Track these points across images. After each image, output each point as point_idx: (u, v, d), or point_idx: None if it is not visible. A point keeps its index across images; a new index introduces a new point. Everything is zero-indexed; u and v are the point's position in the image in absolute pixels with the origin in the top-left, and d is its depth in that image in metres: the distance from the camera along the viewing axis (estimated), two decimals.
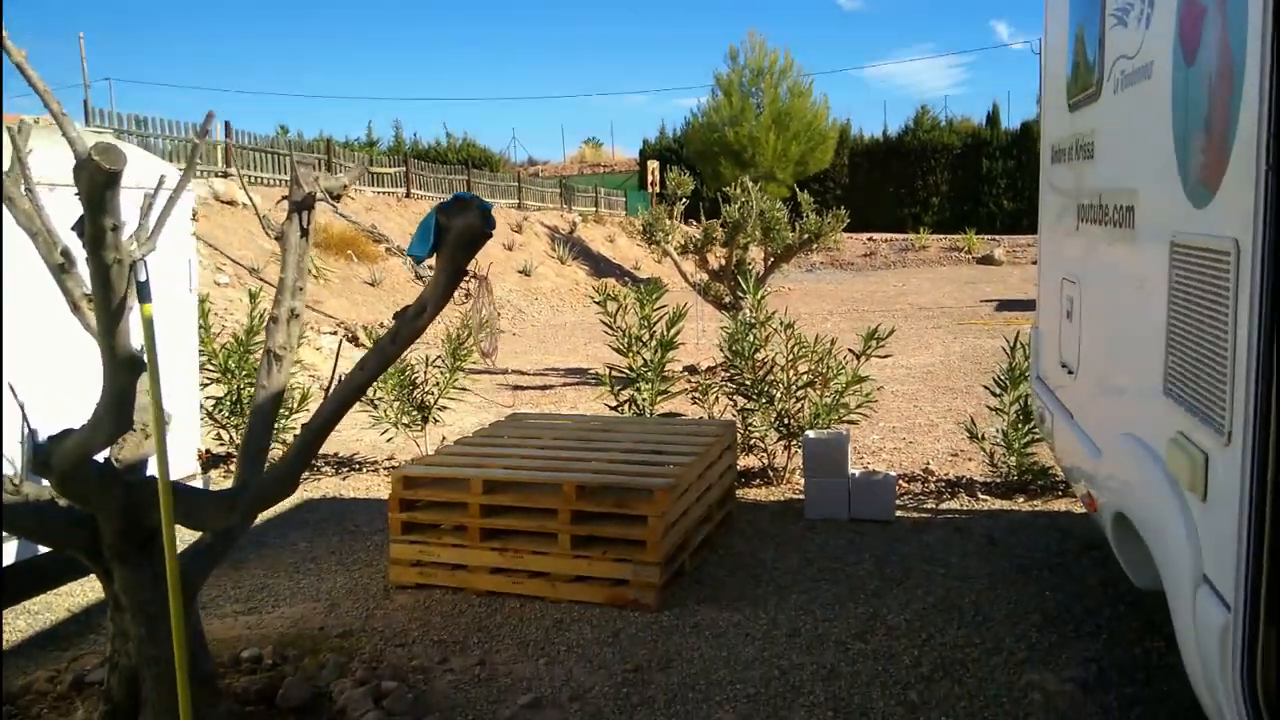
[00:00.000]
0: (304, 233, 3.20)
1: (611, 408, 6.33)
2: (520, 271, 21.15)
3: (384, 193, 21.24)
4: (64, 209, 4.07)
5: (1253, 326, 2.02)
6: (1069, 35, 3.91)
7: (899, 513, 5.35)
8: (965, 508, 5.51)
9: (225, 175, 16.79)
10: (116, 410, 2.18)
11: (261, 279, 14.80)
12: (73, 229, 1.86)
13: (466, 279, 2.93)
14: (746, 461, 6.30)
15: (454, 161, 30.44)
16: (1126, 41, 3.01)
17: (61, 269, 3.19)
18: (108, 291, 1.97)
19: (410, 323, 2.50)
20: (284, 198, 3.19)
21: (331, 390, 2.76)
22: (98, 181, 1.77)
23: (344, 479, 6.82)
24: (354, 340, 12.90)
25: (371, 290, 16.38)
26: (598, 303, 6.26)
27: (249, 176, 17.71)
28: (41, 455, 2.32)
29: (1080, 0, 3.79)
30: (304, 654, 3.90)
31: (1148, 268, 2.81)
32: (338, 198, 3.37)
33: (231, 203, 16.02)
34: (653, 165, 34.45)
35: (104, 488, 2.61)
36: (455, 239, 2.32)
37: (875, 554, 4.77)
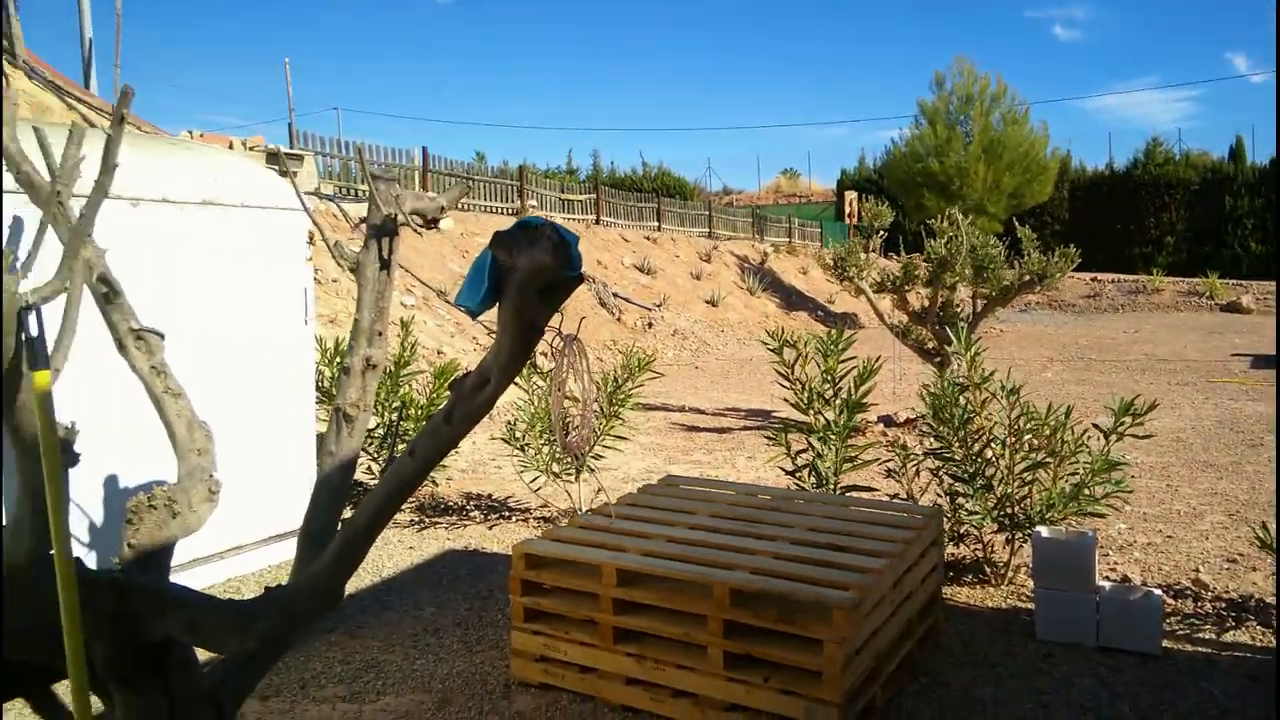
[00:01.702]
0: (384, 264, 2.49)
1: (787, 472, 5.36)
2: (707, 301, 20.42)
3: (574, 219, 21.13)
4: (152, 227, 3.68)
5: None
6: None
7: (1165, 642, 4.07)
8: (1259, 643, 4.14)
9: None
10: (33, 511, 1.49)
11: (447, 300, 14.81)
12: None
13: (550, 339, 2.11)
14: (955, 551, 5.15)
15: (648, 190, 30.24)
16: None
17: (105, 299, 2.63)
18: None
19: (469, 398, 1.71)
20: (361, 220, 2.51)
21: (383, 479, 2.00)
22: None
23: (491, 528, 6.20)
24: (533, 364, 12.56)
25: (554, 317, 16.07)
26: (771, 349, 5.31)
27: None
28: None
29: None
30: None
31: None
32: (434, 222, 2.65)
33: (427, 226, 16.21)
34: (850, 196, 33.14)
35: (90, 595, 1.95)
36: (521, 283, 1.50)
37: (1138, 707, 3.55)
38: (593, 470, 6.35)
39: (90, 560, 3.30)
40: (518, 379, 6.87)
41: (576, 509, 6.19)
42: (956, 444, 4.87)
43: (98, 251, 2.71)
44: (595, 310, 17.35)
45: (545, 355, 2.35)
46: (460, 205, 18.12)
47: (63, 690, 3.02)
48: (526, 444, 6.18)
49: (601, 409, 6.14)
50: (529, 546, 3.85)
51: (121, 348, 2.66)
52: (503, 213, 19.15)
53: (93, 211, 1.75)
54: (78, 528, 3.27)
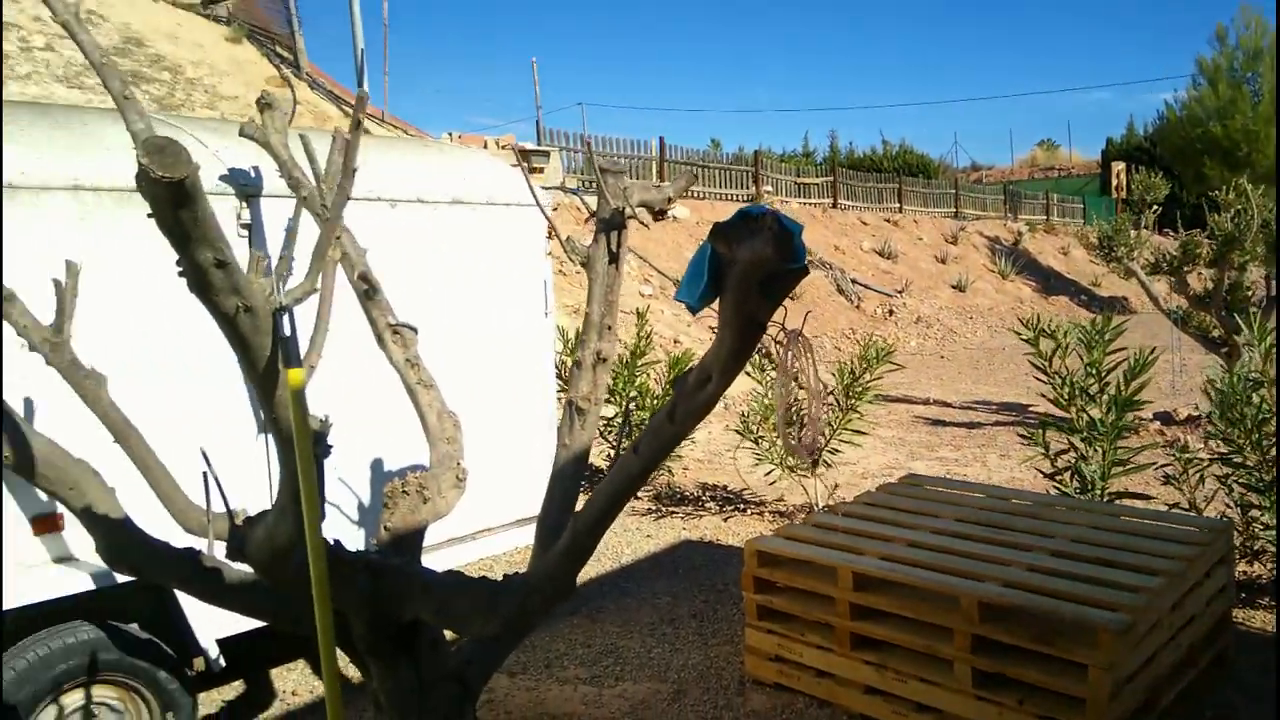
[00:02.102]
0: (613, 258, 2.49)
1: (1045, 474, 4.93)
2: (954, 287, 19.39)
3: (809, 204, 20.73)
4: (407, 226, 3.90)
5: None
6: None
7: None
8: None
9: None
10: (295, 497, 1.60)
11: None
12: (178, 269, 1.28)
13: (774, 336, 1.99)
14: (1249, 569, 4.53)
15: (889, 170, 29.14)
16: None
17: (366, 295, 2.81)
18: (246, 352, 1.36)
19: (691, 395, 1.65)
20: (591, 214, 2.52)
21: (609, 475, 1.99)
22: (160, 197, 1.15)
23: (726, 519, 6.19)
24: (766, 354, 12.44)
25: (791, 304, 15.82)
26: (1025, 339, 4.90)
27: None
28: (236, 542, 1.84)
29: None
30: None
31: None
32: (661, 213, 2.62)
33: (655, 217, 16.45)
34: (1118, 167, 30.28)
35: (348, 576, 2.09)
36: (741, 276, 1.41)
37: None
38: (829, 465, 6.17)
39: (359, 541, 3.57)
40: (750, 370, 6.80)
41: (813, 505, 6.04)
42: (1249, 448, 4.27)
43: (358, 251, 2.91)
44: (832, 297, 16.94)
45: (778, 345, 2.24)
46: (695, 193, 18.29)
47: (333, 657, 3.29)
48: (760, 436, 6.10)
49: (837, 402, 5.94)
50: (761, 544, 3.77)
51: (380, 341, 2.84)
52: (737, 199, 19.13)
53: (337, 213, 1.86)
54: (348, 510, 3.56)
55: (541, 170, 14.27)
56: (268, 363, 1.38)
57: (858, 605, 3.43)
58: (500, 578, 2.18)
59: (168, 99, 10.28)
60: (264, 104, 3.23)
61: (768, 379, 6.22)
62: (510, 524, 4.30)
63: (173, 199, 1.12)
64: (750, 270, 1.42)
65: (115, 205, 2.84)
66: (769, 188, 20.02)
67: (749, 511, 6.34)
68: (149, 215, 1.18)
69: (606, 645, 4.27)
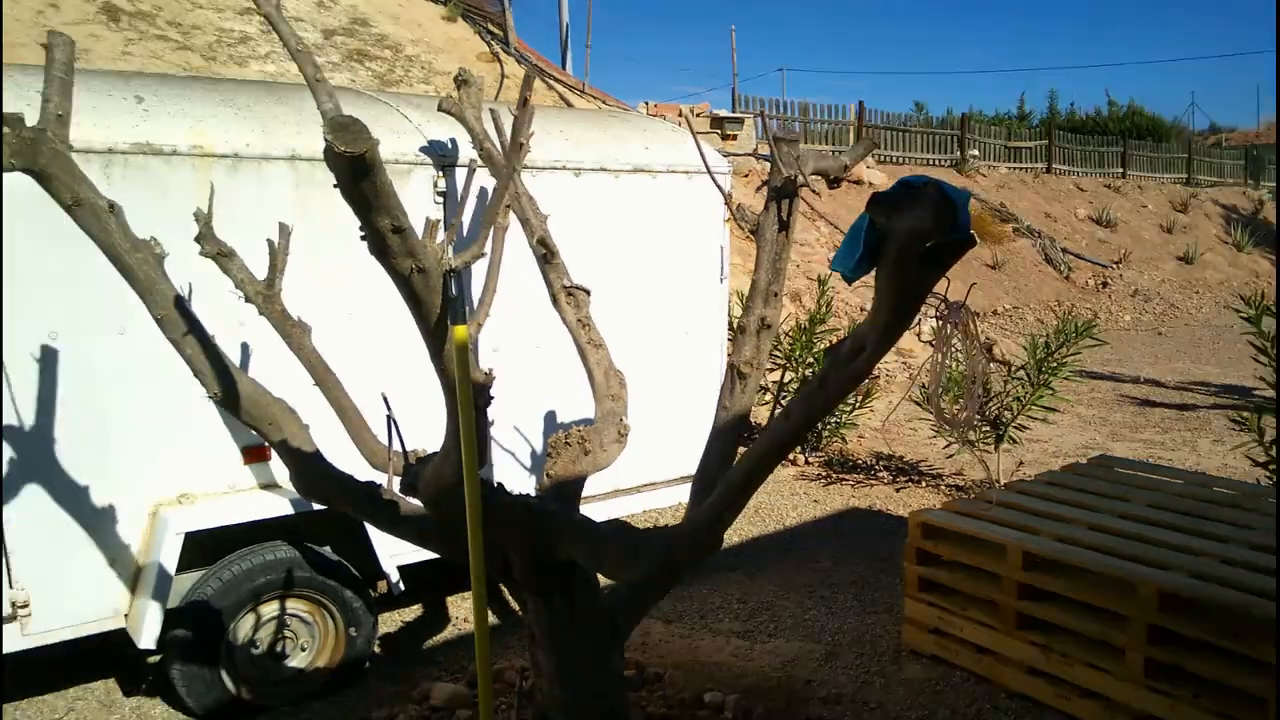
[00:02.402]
0: (783, 226, 2.53)
1: (1257, 463, 4.55)
2: (1179, 258, 17.81)
3: (1020, 168, 19.56)
4: (591, 193, 4.05)
5: None
6: None
7: None
8: None
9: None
10: (458, 442, 1.77)
11: None
12: (361, 234, 1.45)
13: (935, 307, 1.97)
14: None
15: (1113, 132, 26.95)
16: None
17: (544, 259, 3.00)
18: (419, 309, 1.53)
19: (844, 365, 1.69)
20: (763, 183, 2.56)
21: (758, 439, 2.07)
22: (342, 170, 1.31)
23: (898, 490, 6.10)
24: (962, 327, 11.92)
25: (991, 274, 15.10)
26: (1245, 317, 4.51)
27: (880, 155, 17.53)
28: (409, 479, 2.05)
29: None
30: (773, 716, 3.32)
31: None
32: (836, 182, 2.63)
33: (858, 181, 16.02)
34: None
35: (508, 516, 2.28)
36: (898, 247, 1.43)
37: None
38: (1014, 442, 5.93)
39: (530, 486, 3.82)
40: (930, 338, 6.60)
41: (994, 481, 5.84)
42: None
43: (539, 217, 3.09)
44: (1039, 267, 15.96)
45: (939, 318, 2.21)
46: (894, 159, 17.68)
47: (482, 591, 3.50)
48: (942, 407, 5.93)
49: (1028, 376, 5.69)
50: (926, 516, 3.72)
51: (555, 302, 3.02)
52: (941, 164, 18.31)
53: (503, 184, 2.00)
54: (521, 456, 3.81)
55: (735, 137, 14.23)
56: (437, 319, 1.54)
57: (1026, 585, 3.34)
58: None
59: (388, 75, 11.02)
60: (460, 81, 3.47)
61: (951, 349, 6.04)
62: (676, 479, 4.45)
63: (354, 171, 1.29)
64: (908, 241, 1.43)
65: (326, 174, 3.15)
66: (975, 151, 19.03)
67: (923, 484, 6.20)
68: (334, 185, 1.35)
69: (762, 602, 4.35)
